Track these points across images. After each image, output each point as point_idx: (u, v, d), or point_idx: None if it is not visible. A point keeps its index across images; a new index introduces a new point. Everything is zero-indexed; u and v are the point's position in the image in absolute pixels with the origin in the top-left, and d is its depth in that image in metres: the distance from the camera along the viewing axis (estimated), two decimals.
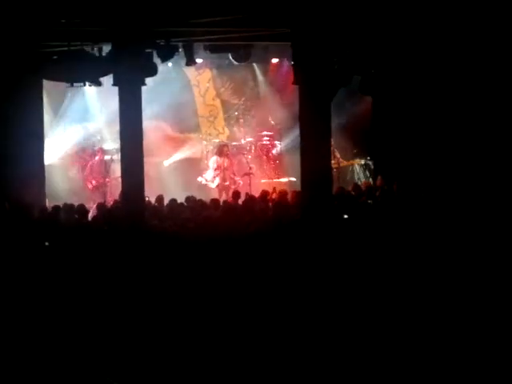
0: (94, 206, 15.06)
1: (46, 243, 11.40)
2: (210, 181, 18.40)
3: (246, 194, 15.53)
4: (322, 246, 10.59)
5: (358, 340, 8.14)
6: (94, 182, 18.01)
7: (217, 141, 19.66)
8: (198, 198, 14.77)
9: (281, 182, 18.84)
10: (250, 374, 7.77)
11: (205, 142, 19.81)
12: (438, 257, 10.21)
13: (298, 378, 7.66)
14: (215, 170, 18.42)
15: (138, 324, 8.85)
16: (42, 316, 8.97)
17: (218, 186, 18.21)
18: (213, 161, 18.66)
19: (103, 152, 18.29)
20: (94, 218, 13.61)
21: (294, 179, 18.09)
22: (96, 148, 18.52)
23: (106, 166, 18.02)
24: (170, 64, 17.27)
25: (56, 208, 13.78)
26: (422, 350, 7.87)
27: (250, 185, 17.93)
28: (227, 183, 18.19)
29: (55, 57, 12.49)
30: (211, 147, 19.51)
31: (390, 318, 8.52)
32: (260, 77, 20.16)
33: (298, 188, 13.88)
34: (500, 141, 17.91)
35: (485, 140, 18.10)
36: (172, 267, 9.91)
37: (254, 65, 19.63)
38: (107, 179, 17.86)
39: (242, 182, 18.26)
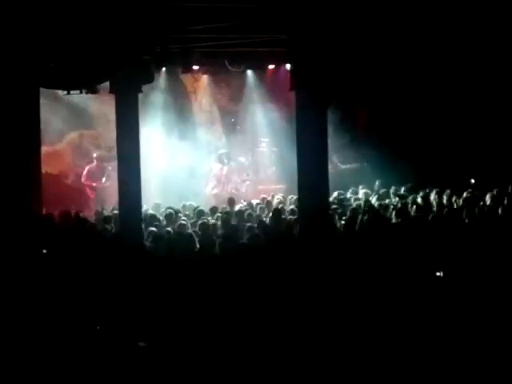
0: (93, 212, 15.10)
1: (44, 250, 11.40)
2: (209, 189, 18.38)
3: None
4: (319, 250, 10.59)
5: (356, 341, 8.12)
6: (94, 184, 18.04)
7: (214, 148, 19.62)
8: (195, 205, 14.80)
9: (278, 187, 18.81)
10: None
11: (202, 150, 19.75)
12: (435, 261, 10.22)
13: None
14: (214, 177, 18.41)
15: (134, 326, 8.84)
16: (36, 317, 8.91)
17: (217, 193, 18.18)
18: (212, 168, 18.64)
19: (100, 158, 18.30)
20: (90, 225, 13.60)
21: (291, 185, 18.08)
22: (93, 154, 18.54)
23: (102, 172, 18.07)
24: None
25: (51, 215, 13.79)
26: (418, 353, 7.86)
27: (247, 191, 17.92)
28: (229, 191, 18.07)
29: (52, 64, 12.49)
30: (209, 154, 19.48)
31: (387, 321, 8.50)
32: (257, 83, 20.15)
33: (295, 194, 13.88)
34: (496, 148, 18.00)
35: (477, 143, 18.22)
36: (169, 274, 9.90)
37: (251, 71, 19.64)
38: (102, 185, 17.93)
39: (244, 190, 18.22)
